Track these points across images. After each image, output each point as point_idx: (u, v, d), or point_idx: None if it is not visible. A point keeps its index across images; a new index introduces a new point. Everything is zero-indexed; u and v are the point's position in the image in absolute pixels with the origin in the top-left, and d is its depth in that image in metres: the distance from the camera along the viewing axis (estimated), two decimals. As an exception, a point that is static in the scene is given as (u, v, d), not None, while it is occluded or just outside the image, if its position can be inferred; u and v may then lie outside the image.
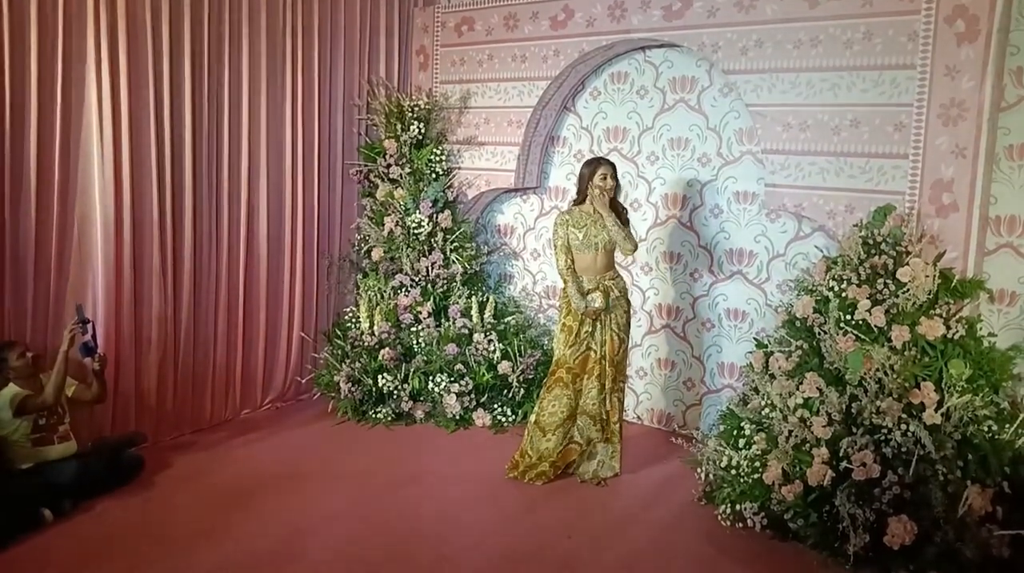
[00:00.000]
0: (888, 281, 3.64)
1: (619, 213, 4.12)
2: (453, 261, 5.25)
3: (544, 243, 5.42)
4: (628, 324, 4.17)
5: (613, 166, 4.10)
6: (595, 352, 4.09)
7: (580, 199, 4.13)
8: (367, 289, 5.29)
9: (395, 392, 4.93)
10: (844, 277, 3.73)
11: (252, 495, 3.85)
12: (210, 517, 3.62)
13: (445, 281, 5.23)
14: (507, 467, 4.19)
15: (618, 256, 4.29)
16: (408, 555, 3.33)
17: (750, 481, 3.63)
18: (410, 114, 5.32)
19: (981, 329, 3.64)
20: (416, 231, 5.21)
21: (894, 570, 3.19)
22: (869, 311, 3.58)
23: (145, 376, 4.40)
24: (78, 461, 3.76)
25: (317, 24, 5.13)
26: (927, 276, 3.58)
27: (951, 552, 3.14)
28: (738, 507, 3.63)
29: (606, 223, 4.01)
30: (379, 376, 4.92)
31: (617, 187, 4.13)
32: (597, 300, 4.00)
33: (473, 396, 4.94)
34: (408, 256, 5.23)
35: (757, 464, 3.62)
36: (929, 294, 3.58)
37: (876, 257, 3.71)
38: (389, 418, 4.94)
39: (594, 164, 4.09)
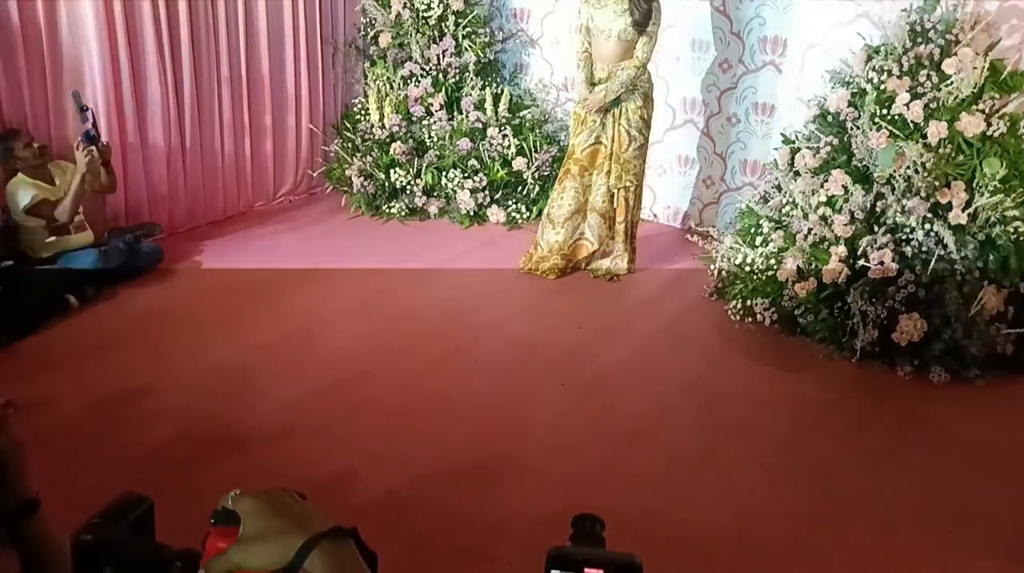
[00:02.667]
0: (932, 73, 3.41)
1: (638, 4, 3.66)
2: (465, 49, 4.94)
3: (565, 30, 5.05)
4: (644, 123, 3.93)
5: None
6: (605, 147, 3.94)
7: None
8: (375, 79, 5.03)
9: (408, 187, 4.86)
10: (885, 68, 3.49)
11: (269, 286, 3.93)
12: (229, 305, 3.71)
13: (457, 71, 4.95)
14: (521, 261, 4.22)
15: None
16: (424, 344, 3.43)
17: (763, 278, 3.64)
18: None
19: (1024, 126, 3.45)
20: (425, 14, 4.86)
21: (899, 364, 3.28)
22: (907, 105, 3.39)
23: (154, 166, 4.32)
24: (97, 250, 3.79)
25: None
26: (975, 68, 3.34)
27: (957, 348, 3.20)
28: (749, 303, 3.67)
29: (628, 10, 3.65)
30: (391, 171, 4.83)
31: None
32: (594, 96, 3.76)
33: (487, 192, 4.87)
34: (418, 43, 4.92)
35: (772, 262, 3.61)
36: (974, 87, 3.36)
37: (922, 46, 3.44)
38: (403, 213, 4.91)
39: None
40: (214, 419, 2.83)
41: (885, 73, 3.48)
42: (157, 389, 3.00)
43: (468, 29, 4.93)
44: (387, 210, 4.93)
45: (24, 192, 3.60)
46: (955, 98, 3.37)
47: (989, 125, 3.33)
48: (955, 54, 3.38)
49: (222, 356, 3.26)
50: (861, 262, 3.33)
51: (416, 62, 4.94)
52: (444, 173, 4.86)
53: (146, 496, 0.88)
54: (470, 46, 4.93)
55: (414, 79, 4.96)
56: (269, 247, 4.45)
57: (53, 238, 3.73)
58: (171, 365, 3.17)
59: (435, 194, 4.93)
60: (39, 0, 3.70)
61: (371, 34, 5.07)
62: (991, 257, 3.29)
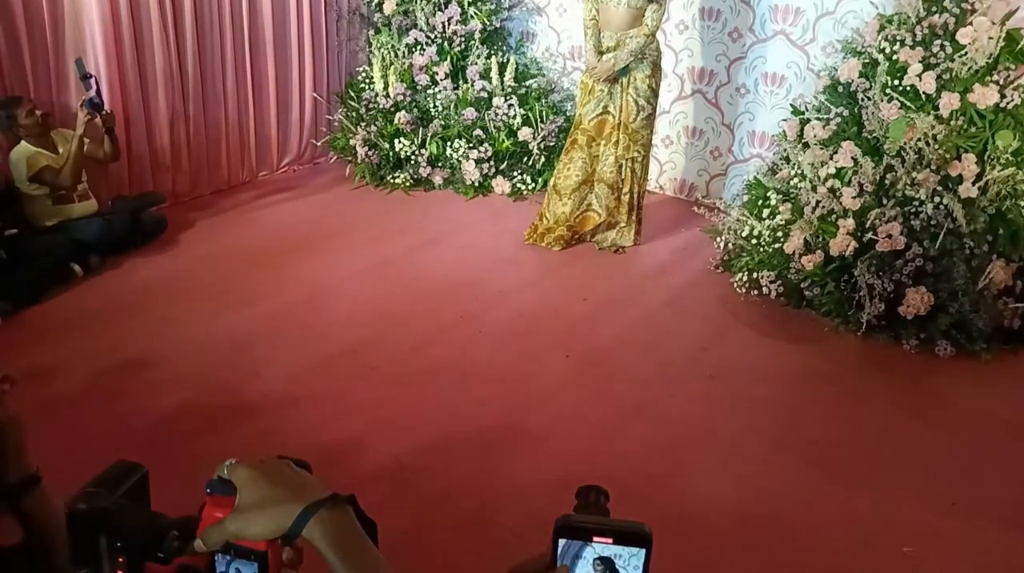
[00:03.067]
0: (945, 43, 3.35)
1: None
2: (471, 16, 4.87)
3: (570, -3, 4.98)
4: (652, 92, 3.88)
5: None
6: (613, 116, 3.89)
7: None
8: (380, 46, 4.98)
9: (413, 157, 4.82)
10: (898, 37, 3.43)
11: (274, 255, 3.92)
12: (234, 274, 3.71)
13: (463, 39, 4.89)
14: (526, 232, 4.20)
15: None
16: (429, 314, 3.43)
17: (770, 250, 3.62)
18: None
19: (1039, 98, 3.39)
20: (431, -19, 4.79)
21: (905, 338, 3.26)
22: (920, 76, 3.34)
23: (157, 134, 4.30)
24: (100, 219, 3.79)
25: None
26: (990, 37, 3.28)
27: (963, 322, 3.18)
28: (755, 275, 3.65)
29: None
30: (396, 140, 4.79)
31: None
32: (603, 64, 3.72)
33: (492, 163, 4.83)
34: (423, 9, 4.85)
35: (779, 234, 3.58)
36: (989, 58, 3.30)
37: (936, 15, 3.38)
38: (407, 183, 4.88)
39: None
40: (219, 388, 2.84)
41: (898, 43, 3.42)
42: (161, 358, 3.00)
43: (474, -4, 4.86)
44: (391, 180, 4.90)
45: (27, 159, 3.58)
46: (969, 69, 3.32)
47: (1003, 97, 3.28)
48: (970, 23, 3.31)
49: (226, 325, 3.26)
50: (869, 235, 3.30)
51: (421, 29, 4.88)
52: (449, 143, 4.82)
53: (140, 464, 0.88)
54: (476, 13, 4.87)
55: (419, 47, 4.90)
56: (273, 217, 4.43)
57: (57, 206, 3.72)
58: (175, 334, 3.17)
59: (440, 164, 4.89)
60: (40, -35, 3.66)
61: (375, 1, 5.00)
62: (1000, 231, 3.26)
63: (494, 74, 4.84)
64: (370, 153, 4.80)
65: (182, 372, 2.92)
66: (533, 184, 4.88)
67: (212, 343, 3.12)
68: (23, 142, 3.61)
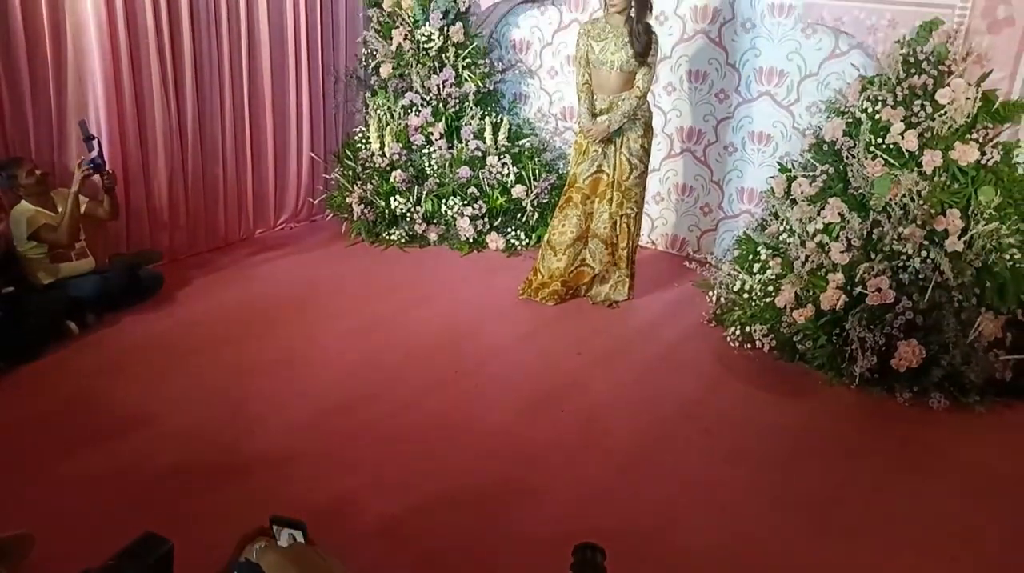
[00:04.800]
0: (926, 103, 3.46)
1: (636, 38, 3.69)
2: (465, 79, 5.01)
3: (562, 60, 5.13)
4: (644, 151, 3.98)
5: None
6: (607, 175, 3.98)
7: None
8: (376, 108, 5.10)
9: (408, 214, 4.89)
10: (879, 98, 3.55)
11: (270, 311, 3.94)
12: (229, 331, 3.71)
13: (457, 100, 5.02)
14: (520, 287, 4.24)
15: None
16: (424, 369, 3.43)
17: (762, 305, 3.66)
18: (418, -88, 4.86)
19: (1018, 155, 3.50)
20: (426, 46, 4.93)
21: (898, 390, 3.28)
22: (902, 134, 3.44)
23: (156, 193, 4.36)
24: (98, 276, 3.81)
25: None
26: (968, 98, 3.40)
27: (956, 375, 3.21)
28: (747, 329, 3.68)
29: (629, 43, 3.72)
30: (391, 198, 4.87)
31: (636, 2, 3.65)
32: (598, 126, 3.82)
33: (486, 219, 4.91)
34: (418, 73, 4.99)
35: (770, 288, 3.63)
36: (967, 117, 3.42)
37: (916, 77, 3.51)
38: (403, 240, 4.94)
39: None
40: (214, 445, 2.82)
41: (880, 103, 3.54)
42: (156, 415, 2.99)
43: (468, 60, 5.00)
44: (387, 237, 4.96)
45: (27, 219, 3.62)
46: (949, 127, 3.42)
47: (983, 154, 3.38)
48: (948, 85, 3.43)
49: (221, 382, 3.26)
50: (859, 289, 3.35)
51: (416, 92, 5.00)
52: (444, 200, 4.90)
53: (167, 539, 0.87)
54: (470, 76, 5.00)
55: (414, 109, 5.02)
56: (269, 274, 4.47)
57: (55, 265, 3.74)
58: (170, 391, 3.17)
59: (435, 221, 4.96)
60: (46, 32, 3.76)
61: (372, 65, 5.14)
62: (988, 284, 3.32)
63: (488, 134, 4.95)
64: (366, 211, 4.87)
65: (177, 430, 2.90)
66: (527, 240, 4.94)
67: (207, 400, 3.11)
68: (23, 202, 3.66)
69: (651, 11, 3.76)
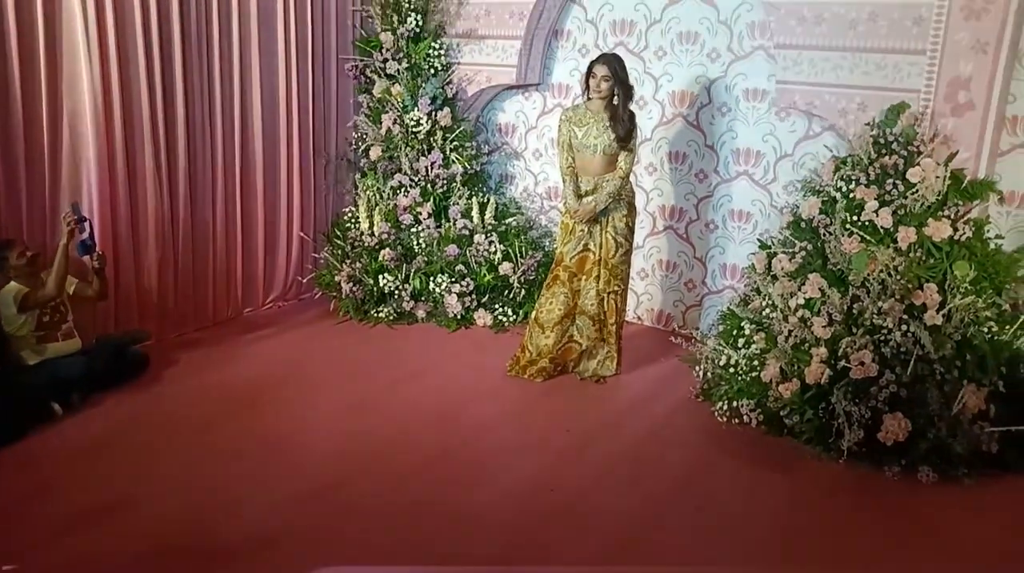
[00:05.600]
0: (897, 182, 3.59)
1: (620, 123, 3.85)
2: (453, 161, 5.15)
3: (547, 142, 5.30)
4: (629, 230, 4.09)
5: (612, 65, 3.81)
6: (593, 253, 4.06)
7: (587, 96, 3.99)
8: (366, 189, 5.21)
9: (396, 292, 4.94)
10: (852, 177, 3.68)
11: (256, 391, 3.92)
12: (215, 412, 3.68)
13: (445, 181, 5.14)
14: (508, 364, 4.25)
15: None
16: (411, 446, 3.41)
17: (748, 379, 3.68)
18: (407, 5, 5.09)
19: (989, 231, 3.62)
20: (415, 129, 5.09)
21: (886, 464, 3.28)
22: (876, 212, 3.55)
23: (145, 274, 4.39)
24: (83, 357, 3.80)
25: (308, -95, 4.84)
26: (937, 177, 3.53)
27: (942, 447, 3.22)
28: (735, 404, 3.70)
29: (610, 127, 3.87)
30: (380, 276, 4.92)
31: (621, 90, 3.83)
32: (584, 207, 3.92)
33: (474, 296, 4.96)
34: (407, 155, 5.13)
35: (755, 363, 3.66)
36: (938, 195, 3.54)
37: (886, 157, 3.65)
38: (391, 317, 4.97)
39: (591, 63, 3.91)
40: (196, 529, 2.77)
41: (853, 182, 3.67)
42: (137, 499, 2.93)
43: (455, 143, 5.15)
44: (375, 314, 4.98)
45: (14, 297, 3.62)
46: (921, 205, 3.55)
47: (956, 230, 3.49)
48: (918, 164, 3.57)
49: (205, 464, 3.21)
50: (842, 363, 3.39)
51: (405, 173, 5.13)
52: (432, 278, 4.96)
53: None
54: (457, 158, 5.15)
55: (403, 189, 5.14)
56: (257, 353, 4.46)
57: (41, 345, 3.73)
58: (153, 473, 3.12)
59: (423, 298, 5.01)
60: (44, 117, 3.87)
61: (362, 148, 5.28)
62: (968, 357, 3.36)
63: (475, 213, 5.06)
64: (354, 289, 4.92)
65: (159, 513, 2.84)
66: (514, 316, 4.98)
67: (190, 482, 3.06)
68: (12, 282, 3.67)
69: (632, 98, 3.93)
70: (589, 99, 3.94)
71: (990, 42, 3.52)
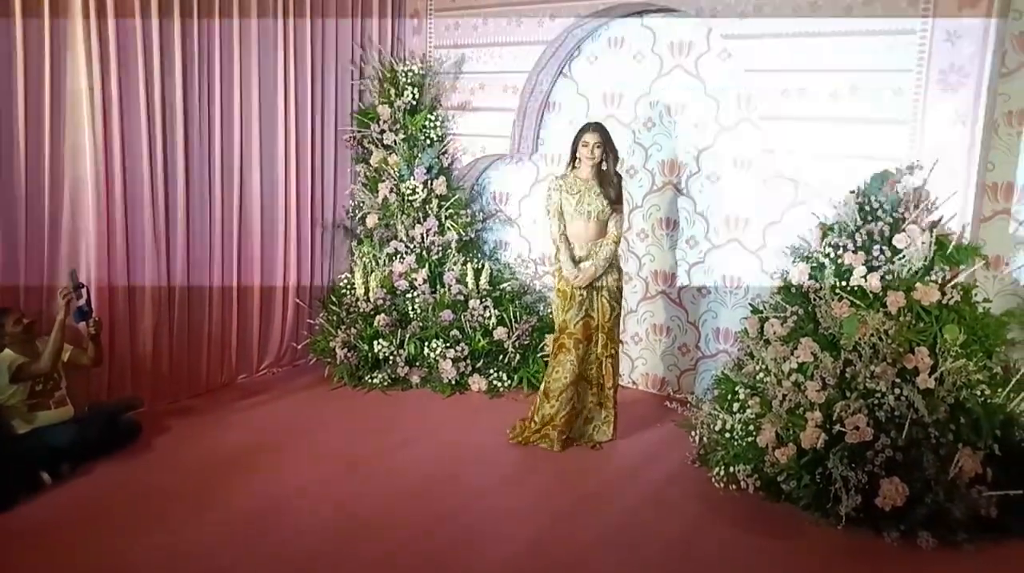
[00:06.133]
0: (884, 247, 3.65)
1: (610, 186, 3.98)
2: (448, 228, 5.23)
3: (541, 210, 5.39)
4: (619, 291, 4.15)
5: (600, 133, 3.97)
6: (593, 318, 4.10)
7: (574, 165, 4.10)
8: (362, 256, 5.28)
9: (391, 357, 4.94)
10: (840, 243, 3.74)
11: (249, 458, 3.87)
12: (207, 480, 3.64)
13: (440, 248, 5.21)
14: (510, 433, 4.21)
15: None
16: (406, 514, 3.36)
17: (744, 444, 3.67)
18: (404, 79, 5.26)
19: (976, 294, 3.67)
20: (411, 198, 5.19)
21: (885, 530, 3.25)
22: (864, 277, 3.60)
23: (140, 341, 4.39)
24: (75, 425, 3.76)
25: (310, -15, 5.05)
26: (923, 243, 3.60)
27: (941, 512, 3.20)
28: (731, 469, 3.67)
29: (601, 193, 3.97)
30: (375, 342, 4.93)
31: (609, 157, 3.99)
32: (585, 272, 3.99)
33: (469, 361, 4.96)
34: (403, 223, 5.21)
35: (751, 428, 3.66)
36: (925, 260, 3.60)
37: (872, 223, 3.72)
38: (385, 383, 4.95)
39: (580, 131, 4.04)
40: (186, 602, 2.71)
41: (841, 248, 3.73)
42: (126, 571, 2.87)
43: (450, 210, 5.25)
44: (369, 380, 4.97)
45: (8, 365, 3.62)
46: (908, 270, 3.60)
47: (944, 294, 3.53)
48: (904, 230, 3.65)
49: (195, 534, 3.16)
50: (837, 427, 3.39)
51: (401, 240, 5.21)
52: (427, 343, 4.97)
53: None
54: (452, 226, 5.23)
55: (399, 256, 5.21)
56: (249, 420, 4.43)
57: (32, 414, 3.70)
58: (140, 545, 3.06)
59: (417, 364, 5.01)
60: (46, 187, 3.94)
61: (359, 215, 5.37)
62: (962, 420, 3.37)
63: (470, 279, 5.11)
64: (349, 354, 4.92)
65: (147, 586, 2.79)
66: (509, 381, 4.98)
67: (179, 553, 3.01)
68: (7, 350, 3.67)
69: (618, 161, 4.05)
70: (576, 168, 4.05)
71: (967, 113, 3.65)
